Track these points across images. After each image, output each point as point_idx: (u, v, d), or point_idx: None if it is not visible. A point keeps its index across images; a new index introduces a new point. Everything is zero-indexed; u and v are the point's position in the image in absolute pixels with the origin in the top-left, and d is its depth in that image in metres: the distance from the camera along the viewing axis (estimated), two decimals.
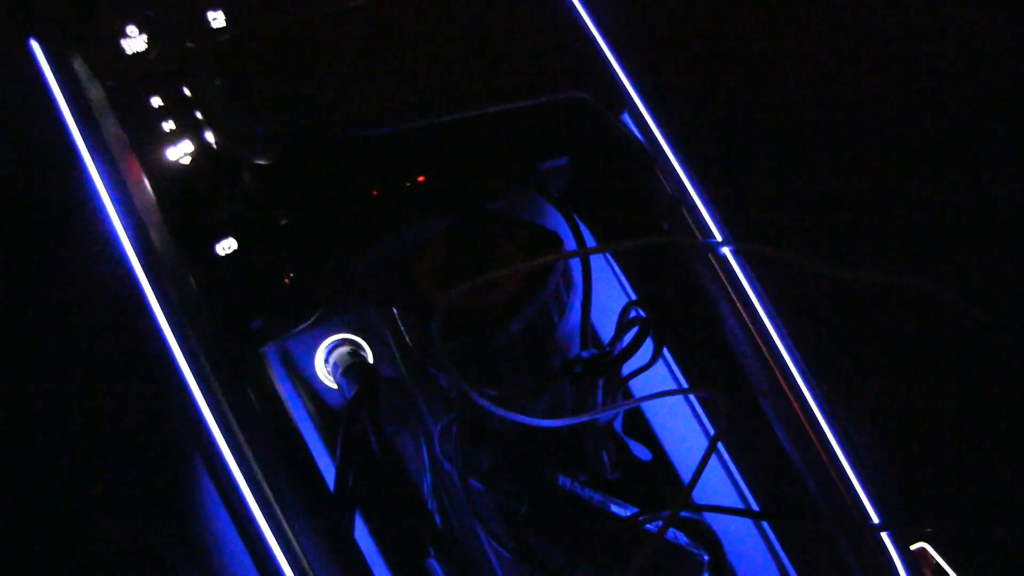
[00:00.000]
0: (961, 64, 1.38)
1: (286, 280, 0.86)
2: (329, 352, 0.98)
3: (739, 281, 0.89)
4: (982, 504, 1.01)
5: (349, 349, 0.98)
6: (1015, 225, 1.23)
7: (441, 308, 0.75)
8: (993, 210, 1.23)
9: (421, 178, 0.88)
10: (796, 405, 0.85)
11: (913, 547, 0.84)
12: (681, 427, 0.99)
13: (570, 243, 0.88)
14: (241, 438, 0.78)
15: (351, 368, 0.94)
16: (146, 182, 0.86)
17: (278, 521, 0.76)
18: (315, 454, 0.87)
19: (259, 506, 0.76)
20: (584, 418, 0.87)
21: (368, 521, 0.92)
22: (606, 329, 1.02)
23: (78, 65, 0.88)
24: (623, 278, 1.01)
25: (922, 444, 1.07)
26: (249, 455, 0.77)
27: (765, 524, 0.94)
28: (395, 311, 0.81)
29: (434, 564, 0.94)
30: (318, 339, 0.97)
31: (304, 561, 0.75)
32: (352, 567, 0.78)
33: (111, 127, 0.87)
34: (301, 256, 0.86)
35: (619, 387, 0.92)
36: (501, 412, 0.78)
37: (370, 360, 0.99)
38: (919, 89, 1.36)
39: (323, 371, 0.98)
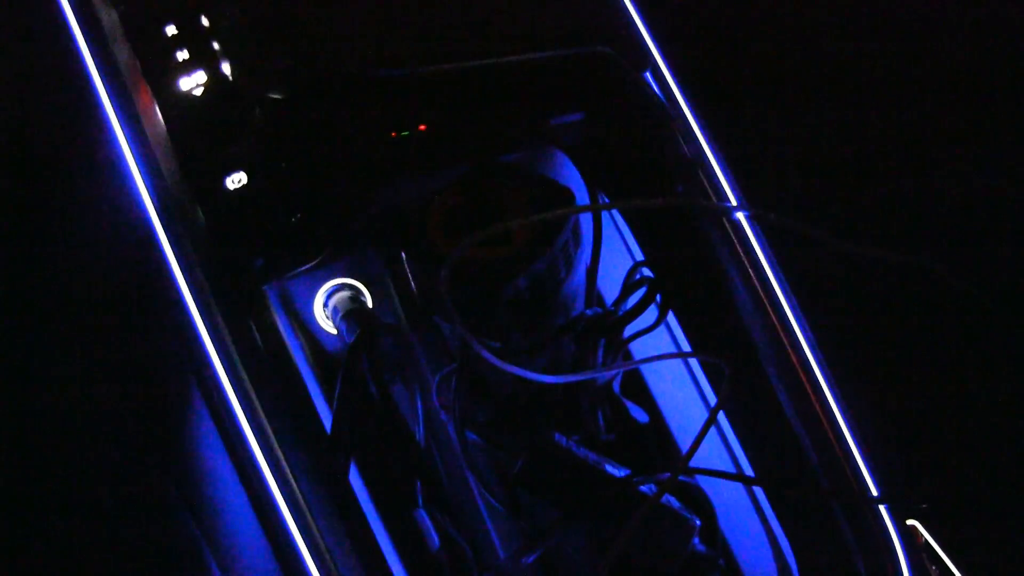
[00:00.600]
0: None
1: (293, 219, 0.85)
2: (329, 296, 0.97)
3: (752, 248, 0.88)
4: (977, 486, 1.02)
5: (350, 294, 0.97)
6: None
7: (451, 257, 0.75)
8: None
9: (422, 127, 0.87)
10: (802, 374, 0.85)
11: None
12: (680, 392, 0.99)
13: (583, 200, 0.87)
14: (242, 371, 0.77)
15: (351, 313, 0.94)
16: (157, 111, 0.85)
17: (276, 458, 0.75)
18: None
19: (257, 440, 0.76)
20: (585, 376, 0.87)
21: (360, 468, 0.92)
22: (607, 289, 1.02)
23: None
24: (629, 239, 1.00)
25: (924, 422, 1.07)
26: (250, 389, 0.77)
27: (759, 493, 0.94)
28: (403, 257, 0.80)
29: (423, 514, 0.94)
30: (318, 282, 0.96)
31: (301, 499, 0.75)
32: (348, 510, 0.78)
33: (124, 54, 0.86)
34: (310, 196, 0.85)
35: (620, 348, 0.92)
36: (502, 364, 0.78)
37: (370, 306, 0.98)
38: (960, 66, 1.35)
39: (322, 315, 0.97)
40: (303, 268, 0.89)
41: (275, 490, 0.75)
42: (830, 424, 0.85)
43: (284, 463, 0.75)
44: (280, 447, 0.76)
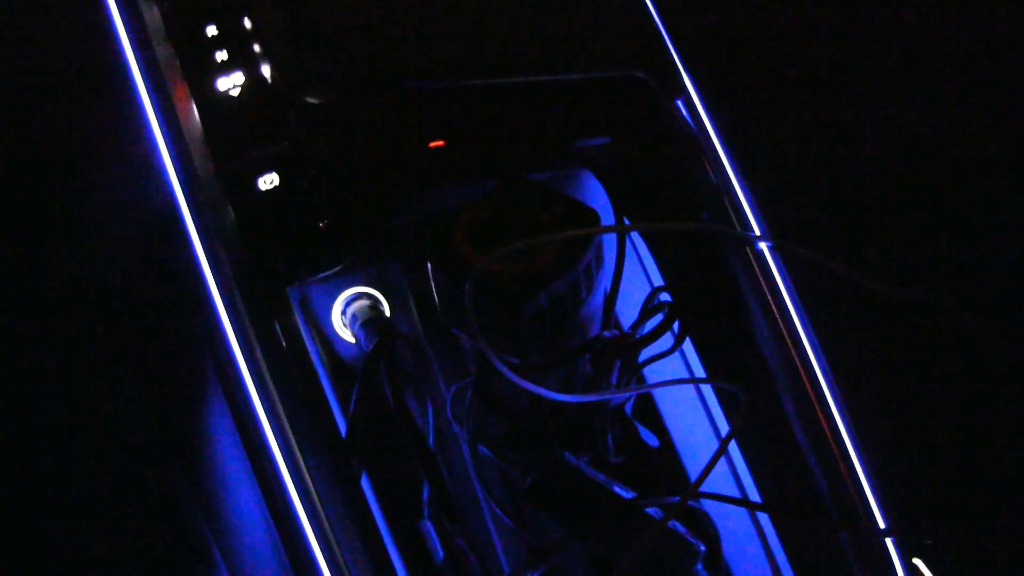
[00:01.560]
0: None
1: (320, 224, 0.86)
2: (347, 304, 0.98)
3: (773, 278, 0.89)
4: (985, 525, 1.02)
5: (369, 303, 0.98)
6: None
7: (477, 268, 0.75)
8: None
9: (440, 143, 0.88)
10: (816, 405, 0.85)
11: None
12: (691, 417, 1.00)
13: (608, 222, 0.88)
14: (265, 370, 0.78)
15: (370, 321, 0.94)
16: (194, 109, 0.86)
17: (295, 458, 0.76)
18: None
19: (277, 439, 0.76)
20: (600, 396, 0.88)
21: (370, 475, 0.93)
22: (624, 312, 1.03)
23: None
24: (649, 264, 1.01)
25: (937, 458, 1.08)
26: (271, 388, 0.77)
27: (764, 522, 0.94)
28: (428, 266, 0.81)
29: (428, 525, 0.94)
30: (338, 289, 0.97)
31: (316, 500, 0.75)
32: (361, 516, 0.78)
33: (164, 52, 0.87)
34: (338, 202, 0.86)
35: (635, 371, 0.92)
36: (520, 381, 0.79)
37: (388, 315, 0.99)
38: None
39: (339, 322, 0.98)
40: (325, 274, 0.90)
41: (292, 490, 0.76)
42: (841, 455, 0.85)
43: (302, 464, 0.76)
44: (299, 448, 0.77)
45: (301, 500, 0.76)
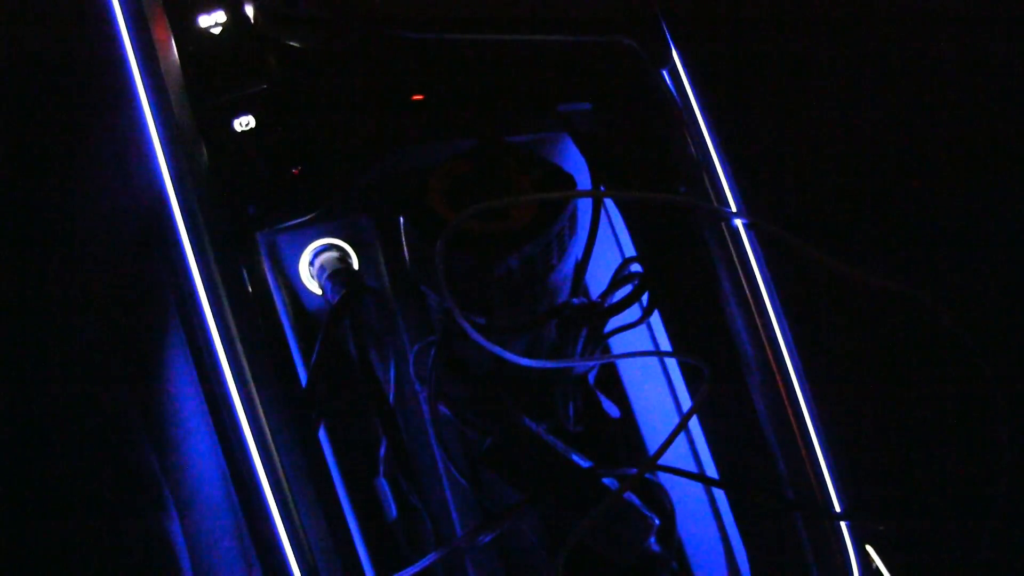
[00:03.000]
0: None
1: (294, 171, 0.85)
2: (316, 254, 0.97)
3: (747, 256, 0.89)
4: (940, 513, 1.03)
5: (338, 255, 0.96)
6: None
7: (450, 225, 0.75)
8: None
9: (420, 96, 0.87)
10: (781, 385, 0.85)
11: None
12: (654, 390, 1.00)
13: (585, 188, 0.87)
14: (228, 311, 0.77)
15: (337, 273, 0.93)
16: (173, 44, 0.85)
17: (252, 400, 0.75)
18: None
19: (234, 378, 0.76)
20: (564, 363, 0.87)
21: (328, 429, 0.92)
22: (593, 281, 1.03)
23: None
24: (622, 234, 1.01)
25: (897, 445, 1.08)
26: (233, 329, 0.76)
27: (721, 499, 0.95)
28: (400, 221, 0.80)
29: (383, 483, 0.94)
30: (307, 239, 0.95)
31: (273, 449, 0.75)
32: (315, 467, 0.78)
33: None
34: (313, 151, 0.85)
35: (601, 341, 0.92)
36: (485, 342, 0.78)
37: (356, 269, 0.98)
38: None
39: (307, 272, 0.97)
40: (294, 222, 0.89)
41: (248, 436, 0.75)
42: (803, 436, 0.85)
43: (260, 410, 0.75)
44: (257, 391, 0.76)
45: (257, 446, 0.75)
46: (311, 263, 0.97)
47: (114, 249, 0.89)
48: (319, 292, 0.96)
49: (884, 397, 1.08)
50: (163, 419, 0.89)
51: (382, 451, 0.93)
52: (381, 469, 0.94)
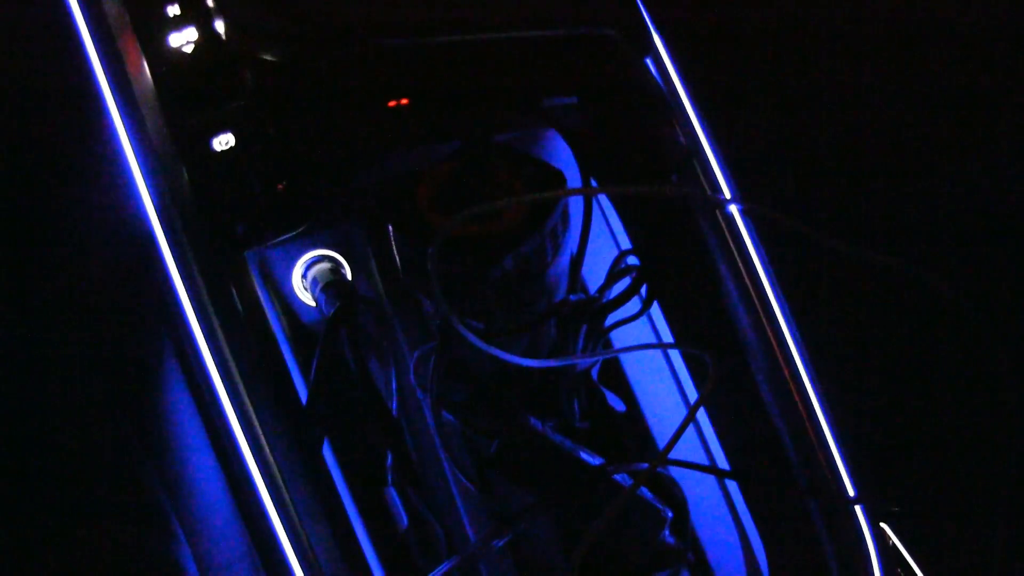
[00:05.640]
0: None
1: (279, 187, 0.83)
2: (307, 267, 0.95)
3: (743, 242, 0.88)
4: (949, 492, 1.03)
5: (330, 266, 0.95)
6: None
7: (440, 232, 0.73)
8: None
9: (404, 101, 0.86)
10: (786, 371, 0.85)
11: None
12: (658, 383, 0.99)
13: (575, 184, 0.86)
14: (221, 336, 0.76)
15: (331, 284, 0.92)
16: (145, 66, 0.83)
17: (251, 425, 0.74)
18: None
19: (233, 406, 0.75)
20: (566, 361, 0.86)
21: (332, 442, 0.91)
22: (591, 276, 1.02)
23: None
24: (616, 226, 1.00)
25: (906, 427, 1.08)
26: (227, 354, 0.76)
27: (732, 489, 0.94)
28: (390, 230, 0.79)
29: (392, 492, 0.93)
30: (298, 252, 0.94)
31: (275, 469, 0.74)
32: (321, 483, 0.77)
33: (112, 5, 0.84)
34: (297, 164, 0.84)
35: (601, 336, 0.91)
36: (484, 346, 0.77)
37: (349, 279, 0.97)
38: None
39: (300, 285, 0.96)
40: (284, 237, 0.87)
41: (249, 459, 0.74)
42: (811, 422, 0.85)
43: (259, 431, 0.74)
44: (256, 415, 0.75)
45: (259, 469, 0.74)
46: (303, 276, 0.96)
47: (104, 277, 0.88)
48: (314, 305, 0.95)
49: (889, 379, 1.08)
50: (165, 445, 0.88)
51: (388, 461, 0.93)
52: (389, 479, 0.93)
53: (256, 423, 0.75)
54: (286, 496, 0.75)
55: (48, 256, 0.92)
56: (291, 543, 0.74)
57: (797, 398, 0.86)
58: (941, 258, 1.14)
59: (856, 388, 0.97)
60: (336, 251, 0.98)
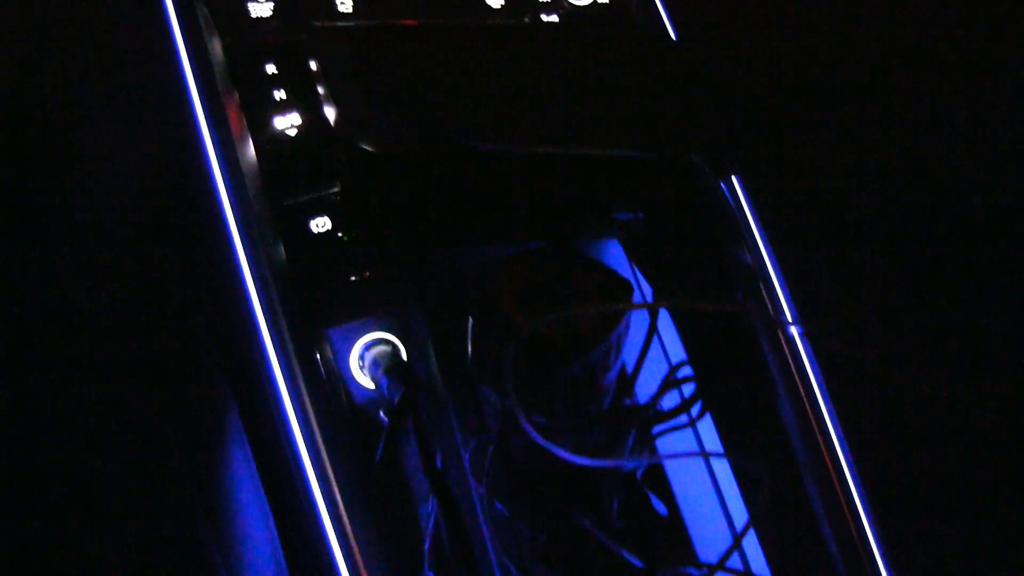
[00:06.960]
0: None
1: (364, 275, 0.87)
2: (366, 348, 0.98)
3: (803, 364, 0.91)
4: None
5: (390, 348, 0.98)
6: None
7: (523, 333, 0.76)
8: None
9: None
10: (840, 492, 0.87)
11: None
12: (700, 488, 1.01)
13: (637, 293, 0.89)
14: (312, 414, 0.78)
15: (393, 368, 0.94)
16: (250, 143, 0.87)
17: (334, 498, 0.76)
18: None
19: (318, 481, 0.77)
20: (617, 463, 0.89)
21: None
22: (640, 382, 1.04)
23: (202, 16, 0.88)
24: (668, 337, 1.03)
25: (959, 553, 1.08)
26: (317, 433, 0.78)
27: None
28: (469, 322, 0.82)
29: None
30: (356, 332, 0.97)
31: (354, 544, 0.75)
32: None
33: (224, 83, 0.87)
34: (384, 254, 0.87)
35: (650, 440, 0.94)
36: (545, 443, 0.80)
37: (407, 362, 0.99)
38: None
39: (356, 364, 0.98)
40: (360, 320, 0.91)
41: (329, 528, 0.76)
42: (863, 547, 0.86)
43: (341, 506, 0.76)
44: (342, 499, 0.77)
45: (339, 542, 0.76)
46: (362, 356, 0.98)
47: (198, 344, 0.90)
48: (371, 386, 0.97)
49: (940, 509, 1.09)
50: (224, 509, 0.89)
51: (426, 546, 0.93)
52: (426, 565, 0.94)
53: (338, 495, 0.77)
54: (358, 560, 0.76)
55: (149, 316, 0.94)
56: None
57: (850, 519, 0.87)
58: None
59: (911, 515, 0.98)
60: (392, 333, 1.01)
